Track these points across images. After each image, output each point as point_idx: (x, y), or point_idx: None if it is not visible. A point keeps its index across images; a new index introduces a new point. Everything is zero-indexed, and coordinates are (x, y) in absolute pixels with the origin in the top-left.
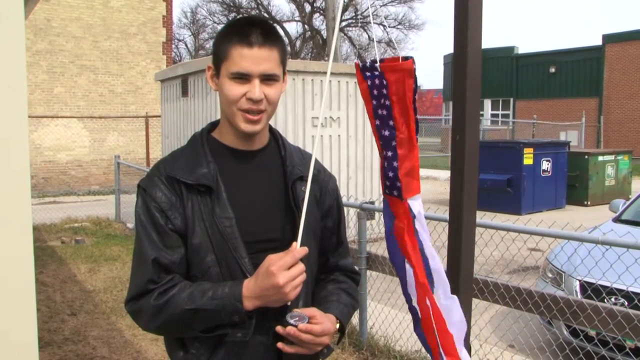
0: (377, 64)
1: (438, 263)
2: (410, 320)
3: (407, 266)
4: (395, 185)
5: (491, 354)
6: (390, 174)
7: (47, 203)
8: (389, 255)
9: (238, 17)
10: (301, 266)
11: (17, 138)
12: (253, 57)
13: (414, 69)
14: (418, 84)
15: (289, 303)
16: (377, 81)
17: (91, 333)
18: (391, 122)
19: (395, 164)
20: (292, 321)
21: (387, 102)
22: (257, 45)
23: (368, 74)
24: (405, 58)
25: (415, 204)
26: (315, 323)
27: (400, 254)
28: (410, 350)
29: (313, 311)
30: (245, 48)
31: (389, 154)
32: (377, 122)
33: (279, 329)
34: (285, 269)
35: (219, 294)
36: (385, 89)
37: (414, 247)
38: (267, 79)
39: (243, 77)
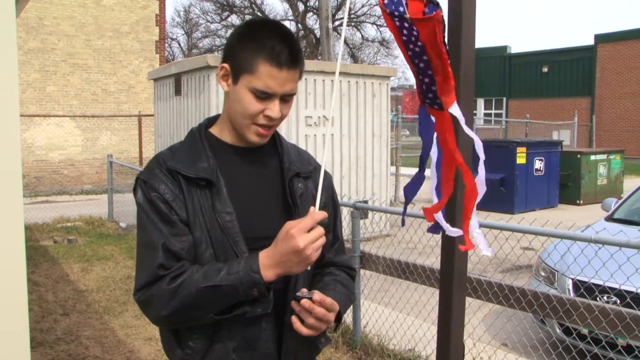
0: (407, 15)
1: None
2: (404, 320)
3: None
4: (435, 102)
5: (484, 353)
6: (430, 95)
7: (40, 202)
8: (419, 132)
9: (263, 22)
10: (320, 229)
11: (8, 137)
12: (281, 79)
13: (443, 17)
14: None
15: (309, 268)
16: (405, 24)
17: (84, 333)
18: (425, 57)
19: (433, 87)
20: (306, 295)
21: (419, 43)
22: (286, 67)
23: (396, 19)
24: (434, 4)
25: (455, 110)
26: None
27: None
28: (403, 349)
29: (315, 292)
30: (275, 69)
31: (426, 80)
32: (410, 53)
33: (293, 304)
34: (305, 232)
35: (234, 268)
36: (415, 32)
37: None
38: (286, 96)
39: (265, 94)
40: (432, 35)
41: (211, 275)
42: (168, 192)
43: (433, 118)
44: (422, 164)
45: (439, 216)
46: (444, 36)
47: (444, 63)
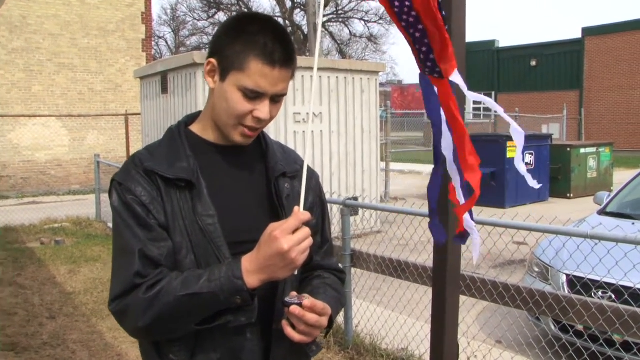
0: None
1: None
2: (397, 319)
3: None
4: (435, 70)
5: (479, 351)
6: (429, 64)
7: (26, 204)
8: (427, 111)
9: (256, 16)
10: (306, 230)
11: None
12: (273, 78)
13: None
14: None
15: (296, 272)
16: None
17: (71, 337)
18: (420, 26)
19: (431, 56)
20: (295, 300)
21: (413, 13)
22: (279, 66)
23: None
24: None
25: (457, 77)
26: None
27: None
28: (396, 349)
29: (305, 296)
30: (268, 67)
31: (424, 49)
32: (404, 24)
33: (284, 310)
34: (289, 233)
35: (215, 275)
36: (408, 2)
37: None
38: (277, 96)
39: (255, 94)
40: (425, 3)
41: (191, 282)
42: (145, 195)
43: (435, 89)
44: (437, 156)
45: (467, 217)
46: (439, 2)
47: (440, 31)
